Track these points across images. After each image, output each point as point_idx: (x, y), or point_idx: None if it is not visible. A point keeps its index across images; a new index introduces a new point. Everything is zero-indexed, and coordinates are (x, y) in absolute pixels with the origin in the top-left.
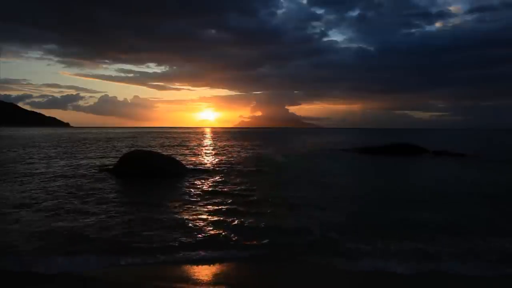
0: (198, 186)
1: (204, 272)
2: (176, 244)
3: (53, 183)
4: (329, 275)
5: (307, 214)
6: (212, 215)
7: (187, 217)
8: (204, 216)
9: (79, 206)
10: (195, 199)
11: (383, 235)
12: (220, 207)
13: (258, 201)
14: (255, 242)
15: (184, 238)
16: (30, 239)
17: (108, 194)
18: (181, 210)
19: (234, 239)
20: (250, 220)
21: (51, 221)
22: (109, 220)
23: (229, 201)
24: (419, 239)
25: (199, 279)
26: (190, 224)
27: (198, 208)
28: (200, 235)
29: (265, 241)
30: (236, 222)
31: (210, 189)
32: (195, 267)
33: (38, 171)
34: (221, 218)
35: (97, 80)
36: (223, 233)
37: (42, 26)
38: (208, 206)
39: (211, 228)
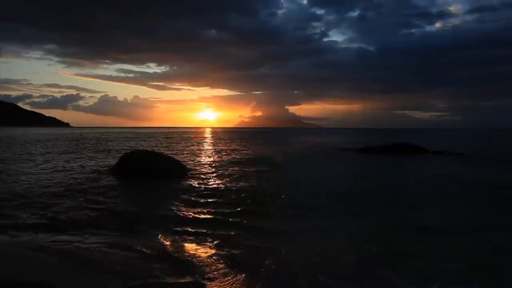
0: (198, 187)
1: None
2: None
3: (51, 182)
4: None
5: (307, 217)
6: (209, 223)
7: (182, 222)
8: (200, 224)
9: (71, 202)
10: (193, 202)
11: (381, 236)
12: (218, 212)
13: (257, 204)
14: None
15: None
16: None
17: (106, 194)
18: (176, 215)
19: (229, 255)
20: (247, 229)
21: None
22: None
23: (228, 205)
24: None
25: None
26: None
27: (195, 211)
28: (192, 251)
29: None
30: (233, 232)
31: (209, 190)
32: None
33: (36, 170)
34: (219, 224)
35: (97, 80)
36: (218, 247)
37: (43, 26)
38: (206, 211)
39: (205, 241)
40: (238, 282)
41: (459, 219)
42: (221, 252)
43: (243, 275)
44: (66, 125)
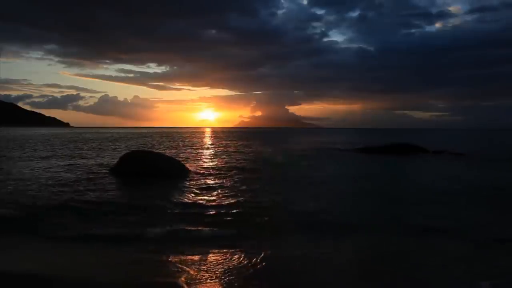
0: (197, 189)
1: None
2: None
3: (52, 181)
4: None
5: (308, 219)
6: (209, 229)
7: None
8: (200, 230)
9: (72, 202)
10: (192, 202)
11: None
12: (218, 213)
13: (257, 207)
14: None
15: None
16: None
17: (106, 196)
18: (175, 214)
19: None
20: (246, 233)
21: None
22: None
23: (228, 209)
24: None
25: None
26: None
27: (195, 216)
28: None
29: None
30: (233, 237)
31: (209, 193)
32: None
33: (36, 169)
34: (218, 231)
35: (97, 80)
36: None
37: (43, 26)
38: (206, 217)
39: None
40: (239, 284)
41: (460, 219)
42: (221, 257)
43: (244, 278)
44: (66, 125)
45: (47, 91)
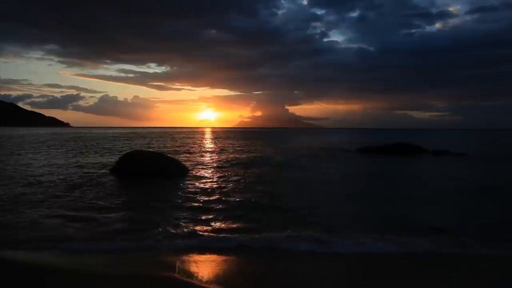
0: (197, 188)
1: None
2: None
3: (53, 180)
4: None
5: (309, 221)
6: (207, 223)
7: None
8: (197, 222)
9: (74, 202)
10: (192, 203)
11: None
12: (217, 212)
13: (256, 207)
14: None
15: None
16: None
17: (105, 193)
18: (174, 213)
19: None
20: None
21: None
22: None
23: (227, 208)
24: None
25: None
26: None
27: (193, 212)
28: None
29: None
30: (233, 239)
31: (208, 192)
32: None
33: (37, 168)
34: (218, 233)
35: (97, 80)
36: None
37: (43, 27)
38: (204, 211)
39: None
40: (233, 282)
41: (460, 219)
42: (218, 258)
43: (238, 278)
44: (66, 125)
45: (47, 91)
